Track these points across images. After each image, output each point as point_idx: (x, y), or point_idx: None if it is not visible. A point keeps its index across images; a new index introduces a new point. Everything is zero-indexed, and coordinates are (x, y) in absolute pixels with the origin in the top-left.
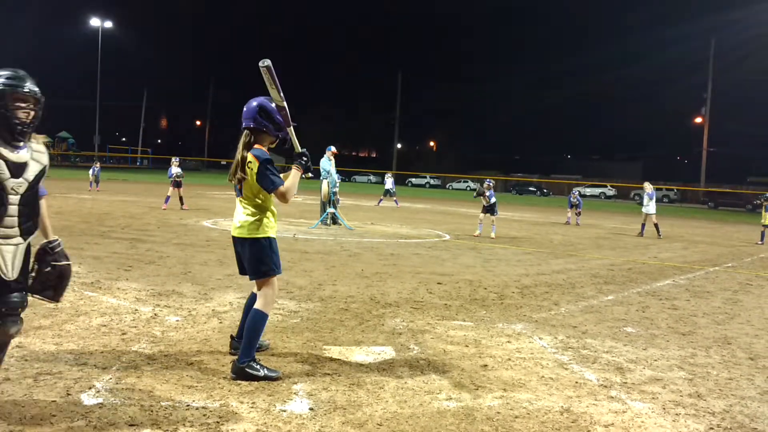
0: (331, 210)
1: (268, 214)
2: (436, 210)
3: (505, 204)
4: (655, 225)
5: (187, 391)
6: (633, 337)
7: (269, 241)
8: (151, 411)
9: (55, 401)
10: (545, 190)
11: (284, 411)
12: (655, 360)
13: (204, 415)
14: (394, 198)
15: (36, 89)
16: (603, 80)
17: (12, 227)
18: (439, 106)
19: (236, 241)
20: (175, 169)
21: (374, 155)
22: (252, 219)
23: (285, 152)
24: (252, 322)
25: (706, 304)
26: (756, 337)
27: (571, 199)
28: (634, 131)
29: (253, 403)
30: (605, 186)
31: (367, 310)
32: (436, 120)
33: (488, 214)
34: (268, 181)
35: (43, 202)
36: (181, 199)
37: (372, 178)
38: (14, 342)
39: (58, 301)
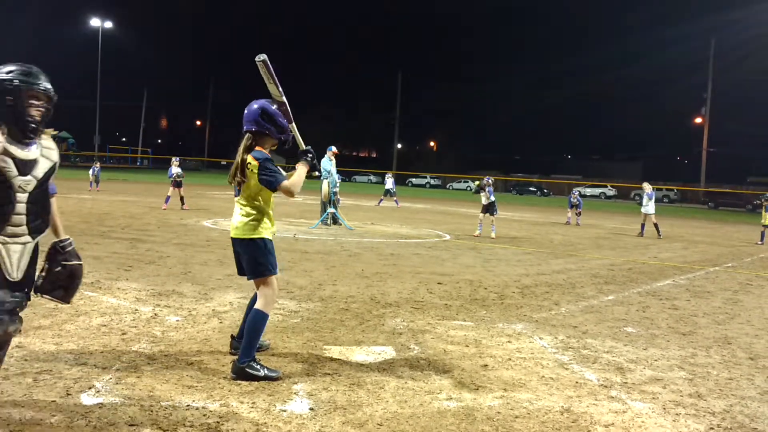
0: (331, 210)
1: (265, 215)
2: (437, 210)
3: (505, 204)
4: (655, 225)
5: (187, 391)
6: (633, 337)
7: (264, 242)
8: (151, 411)
9: (55, 401)
10: (545, 190)
11: (284, 411)
12: (656, 360)
13: (204, 415)
14: (395, 198)
15: (50, 87)
16: (603, 80)
17: (20, 225)
18: (439, 106)
19: (234, 241)
20: (175, 169)
21: (374, 155)
22: (247, 220)
23: (285, 152)
24: (252, 322)
25: (707, 304)
26: (756, 337)
27: (572, 199)
28: (634, 131)
29: (254, 403)
30: (605, 186)
31: (368, 310)
32: (436, 120)
33: (488, 214)
34: (270, 179)
35: (53, 200)
36: (182, 198)
37: (372, 178)
38: (14, 342)
39: (68, 302)
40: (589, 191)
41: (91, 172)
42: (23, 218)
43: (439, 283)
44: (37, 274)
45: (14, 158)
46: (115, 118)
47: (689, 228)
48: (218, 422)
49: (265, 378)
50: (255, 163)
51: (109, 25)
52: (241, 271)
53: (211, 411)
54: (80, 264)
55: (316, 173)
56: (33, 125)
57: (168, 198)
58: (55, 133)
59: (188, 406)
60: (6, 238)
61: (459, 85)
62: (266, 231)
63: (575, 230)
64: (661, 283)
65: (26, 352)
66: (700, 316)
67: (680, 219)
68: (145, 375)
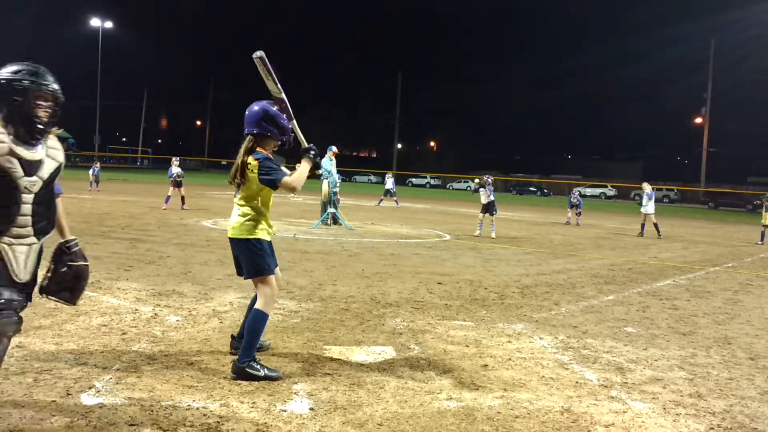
0: (331, 210)
1: (262, 216)
2: (437, 210)
3: (505, 204)
4: (655, 225)
5: (188, 391)
6: (633, 337)
7: (261, 243)
8: (152, 411)
9: (55, 401)
10: (545, 190)
11: (284, 411)
12: (656, 360)
13: (204, 415)
14: (395, 198)
15: (58, 87)
16: (603, 80)
17: (25, 227)
18: (439, 106)
19: (231, 241)
20: (175, 169)
21: (374, 155)
22: (244, 220)
23: (285, 152)
24: (252, 321)
25: (707, 304)
26: (756, 337)
27: (572, 199)
28: (634, 131)
29: (254, 403)
30: (605, 186)
31: (368, 310)
32: (436, 120)
33: (488, 214)
34: (271, 177)
35: (59, 201)
36: (182, 198)
37: (372, 178)
38: (14, 341)
39: (74, 303)
40: (589, 191)
41: (91, 172)
42: (29, 219)
43: (439, 283)
44: (41, 274)
45: (20, 159)
46: (115, 118)
47: (689, 228)
48: (218, 422)
49: (266, 378)
50: (255, 162)
51: (109, 25)
52: (239, 271)
53: (211, 411)
54: (86, 265)
55: (319, 171)
56: (40, 126)
57: (168, 198)
58: (59, 132)
59: (188, 406)
60: (12, 240)
61: (459, 85)
62: (263, 232)
63: (575, 230)
64: (662, 283)
65: (26, 351)
66: (700, 316)
67: (680, 219)
68: (146, 375)
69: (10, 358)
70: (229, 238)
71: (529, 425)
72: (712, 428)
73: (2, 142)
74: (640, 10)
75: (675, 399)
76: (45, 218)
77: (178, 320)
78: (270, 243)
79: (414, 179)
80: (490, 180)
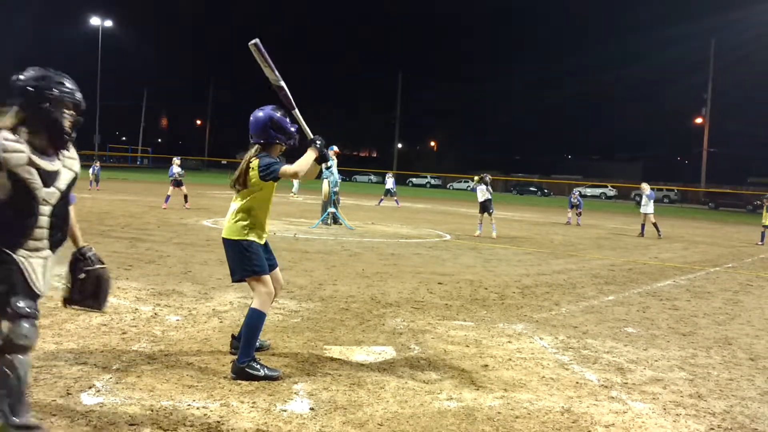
0: (331, 210)
1: (256, 219)
2: (437, 210)
3: (505, 204)
4: (654, 225)
5: (188, 390)
6: (634, 338)
7: (250, 244)
8: (152, 410)
9: (55, 401)
10: (546, 190)
11: (285, 411)
12: (656, 360)
13: (204, 415)
14: (395, 198)
15: (81, 96)
16: (603, 80)
17: (42, 239)
18: (439, 106)
19: (223, 242)
20: (176, 169)
21: (375, 155)
22: (236, 221)
23: (285, 153)
24: (249, 321)
25: (707, 304)
26: (756, 338)
27: (572, 199)
28: (634, 131)
29: (254, 402)
30: (606, 186)
31: (368, 310)
32: (436, 120)
33: (486, 214)
34: (270, 169)
35: (71, 209)
36: (185, 197)
37: (373, 178)
38: None
39: (101, 308)
40: (589, 191)
41: (91, 171)
42: (45, 232)
43: (439, 283)
44: (59, 285)
45: (39, 169)
46: (115, 117)
47: (689, 228)
48: (218, 422)
49: (266, 378)
50: (256, 161)
51: (109, 24)
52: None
53: (211, 411)
54: (104, 268)
55: (328, 164)
56: (66, 137)
57: (168, 197)
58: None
59: (188, 405)
60: (28, 253)
61: (459, 85)
62: (253, 234)
63: (575, 230)
64: (662, 283)
65: None
66: (701, 316)
67: (680, 219)
68: (146, 374)
69: None
70: (222, 238)
71: (530, 425)
72: (712, 429)
73: (21, 151)
74: (640, 10)
75: (675, 399)
76: (60, 230)
77: (178, 320)
78: (262, 246)
79: (414, 179)
80: (489, 179)
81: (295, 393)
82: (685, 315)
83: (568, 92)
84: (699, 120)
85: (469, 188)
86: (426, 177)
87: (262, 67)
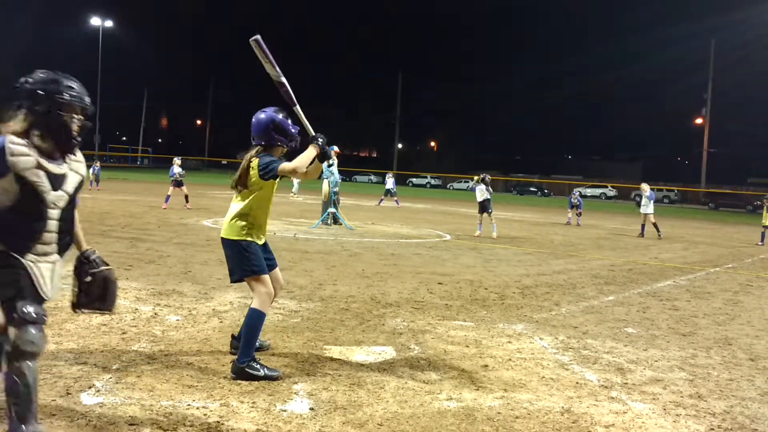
0: (331, 210)
1: (253, 219)
2: (437, 210)
3: (505, 204)
4: (654, 225)
5: (188, 390)
6: (633, 338)
7: (250, 245)
8: (151, 410)
9: (54, 400)
10: (546, 191)
11: (284, 411)
12: (656, 361)
13: (204, 415)
14: (395, 198)
15: (90, 101)
16: (603, 80)
17: (50, 244)
18: (439, 106)
19: (222, 241)
20: (176, 169)
21: (375, 155)
22: (236, 221)
23: (286, 154)
24: (249, 321)
25: (707, 304)
26: (756, 338)
27: (572, 199)
28: (634, 131)
29: (254, 402)
30: (606, 186)
31: (368, 310)
32: (436, 120)
33: (486, 213)
34: (270, 167)
35: (75, 213)
36: (186, 197)
37: (373, 178)
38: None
39: (111, 310)
40: (589, 191)
41: (91, 171)
42: (54, 236)
43: (439, 283)
44: (70, 291)
45: (47, 172)
46: (116, 117)
47: (689, 229)
48: (218, 422)
49: (265, 378)
50: (256, 161)
51: (109, 24)
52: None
53: (211, 410)
54: (109, 269)
55: (330, 161)
56: (75, 141)
57: (168, 197)
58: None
59: (188, 405)
60: (36, 257)
61: (459, 85)
62: (252, 234)
63: (576, 231)
64: (662, 283)
65: None
66: (701, 316)
67: (681, 220)
68: (145, 374)
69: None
70: (221, 237)
71: (529, 425)
72: (712, 429)
73: (28, 155)
74: (640, 10)
75: (675, 400)
76: (68, 234)
77: (178, 320)
78: (260, 246)
79: (414, 179)
80: (488, 179)
81: (294, 393)
82: (685, 315)
83: (568, 92)
84: (699, 120)
85: (468, 188)
86: (426, 177)
87: (263, 63)
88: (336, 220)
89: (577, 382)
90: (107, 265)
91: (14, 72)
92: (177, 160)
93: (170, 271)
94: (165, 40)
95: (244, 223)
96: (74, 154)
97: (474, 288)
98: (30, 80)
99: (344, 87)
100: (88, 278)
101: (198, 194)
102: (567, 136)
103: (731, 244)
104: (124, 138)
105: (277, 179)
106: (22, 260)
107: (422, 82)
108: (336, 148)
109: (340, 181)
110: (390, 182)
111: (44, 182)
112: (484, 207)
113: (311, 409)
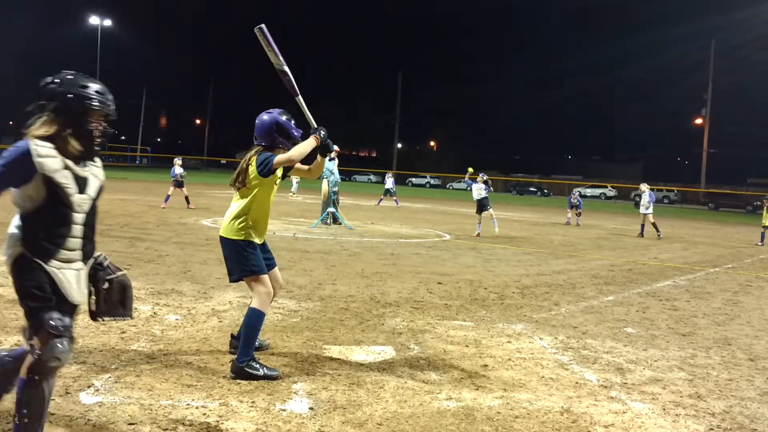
0: (331, 209)
1: (252, 219)
2: (437, 210)
3: (505, 204)
4: (654, 225)
5: (187, 390)
6: (633, 338)
7: (247, 244)
8: (151, 410)
9: (54, 400)
10: (546, 191)
11: (284, 410)
12: (656, 361)
13: (204, 414)
14: (395, 198)
15: (114, 107)
16: (603, 80)
17: (75, 250)
18: (439, 106)
19: (221, 240)
20: (178, 170)
21: (374, 155)
22: (232, 220)
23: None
24: (249, 320)
25: (707, 305)
26: (756, 338)
27: (572, 199)
28: (634, 131)
29: (253, 402)
30: (605, 186)
31: (367, 310)
32: (436, 120)
33: (484, 212)
34: (266, 162)
35: (96, 220)
36: (186, 198)
37: (372, 177)
38: (13, 341)
39: (130, 316)
40: (589, 192)
41: None
42: (78, 242)
43: (439, 283)
44: (86, 301)
45: (74, 174)
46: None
47: (689, 229)
48: (218, 421)
49: (265, 377)
50: (254, 158)
51: (108, 23)
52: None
53: (210, 410)
54: (124, 273)
55: (333, 155)
56: (97, 147)
57: (168, 197)
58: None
59: (188, 405)
60: (61, 264)
61: (459, 85)
62: (251, 234)
63: (575, 231)
64: (661, 283)
65: None
66: (700, 317)
67: (680, 220)
68: (145, 374)
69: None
70: (219, 236)
71: (529, 425)
72: (711, 429)
73: (54, 156)
74: (640, 10)
75: (675, 400)
76: (91, 241)
77: (177, 319)
78: (259, 246)
79: (414, 179)
80: (484, 177)
81: (294, 393)
82: (685, 315)
83: (568, 92)
84: (699, 120)
85: (464, 182)
86: (426, 177)
87: (266, 51)
88: (335, 220)
89: (576, 382)
90: (121, 269)
91: (14, 72)
92: (178, 161)
93: (169, 270)
94: (164, 40)
95: (243, 222)
96: (92, 158)
97: (473, 288)
98: (57, 80)
99: (344, 87)
100: (105, 285)
101: (197, 193)
102: (567, 136)
103: (731, 244)
104: (123, 137)
105: (278, 179)
106: (46, 266)
107: (422, 82)
108: (336, 148)
109: (339, 180)
110: (389, 182)
111: (72, 184)
112: (482, 206)
113: (311, 408)
